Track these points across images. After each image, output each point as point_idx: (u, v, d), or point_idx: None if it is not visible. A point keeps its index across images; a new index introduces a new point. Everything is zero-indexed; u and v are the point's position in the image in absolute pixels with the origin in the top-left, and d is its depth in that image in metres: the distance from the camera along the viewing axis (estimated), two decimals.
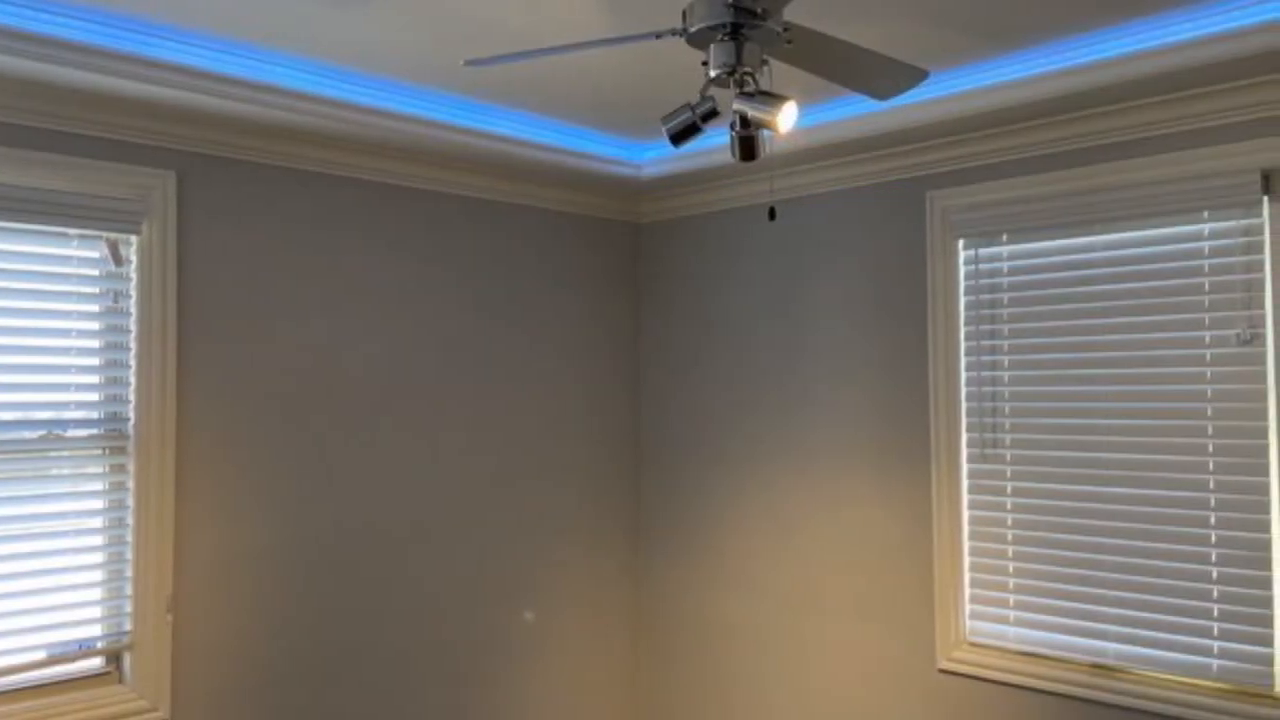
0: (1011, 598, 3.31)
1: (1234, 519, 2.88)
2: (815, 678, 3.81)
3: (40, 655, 2.91)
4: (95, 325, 3.01)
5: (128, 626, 3.04)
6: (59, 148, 2.91)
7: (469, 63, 2.25)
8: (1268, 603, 2.82)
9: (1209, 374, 2.94)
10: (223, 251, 3.25)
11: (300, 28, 2.70)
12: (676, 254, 4.34)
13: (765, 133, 2.25)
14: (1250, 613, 2.85)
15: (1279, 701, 2.79)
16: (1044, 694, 3.21)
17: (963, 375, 3.44)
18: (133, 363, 3.05)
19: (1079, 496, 3.17)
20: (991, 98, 3.05)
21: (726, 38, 2.07)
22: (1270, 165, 2.82)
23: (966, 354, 3.44)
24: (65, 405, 2.96)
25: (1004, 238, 3.35)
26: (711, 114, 2.25)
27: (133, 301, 3.06)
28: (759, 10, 2.02)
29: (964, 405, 3.43)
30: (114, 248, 3.03)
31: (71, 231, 2.95)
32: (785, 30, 2.09)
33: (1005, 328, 3.35)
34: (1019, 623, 3.29)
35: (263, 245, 3.33)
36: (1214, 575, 2.91)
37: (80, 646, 2.98)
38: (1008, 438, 3.34)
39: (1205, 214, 2.95)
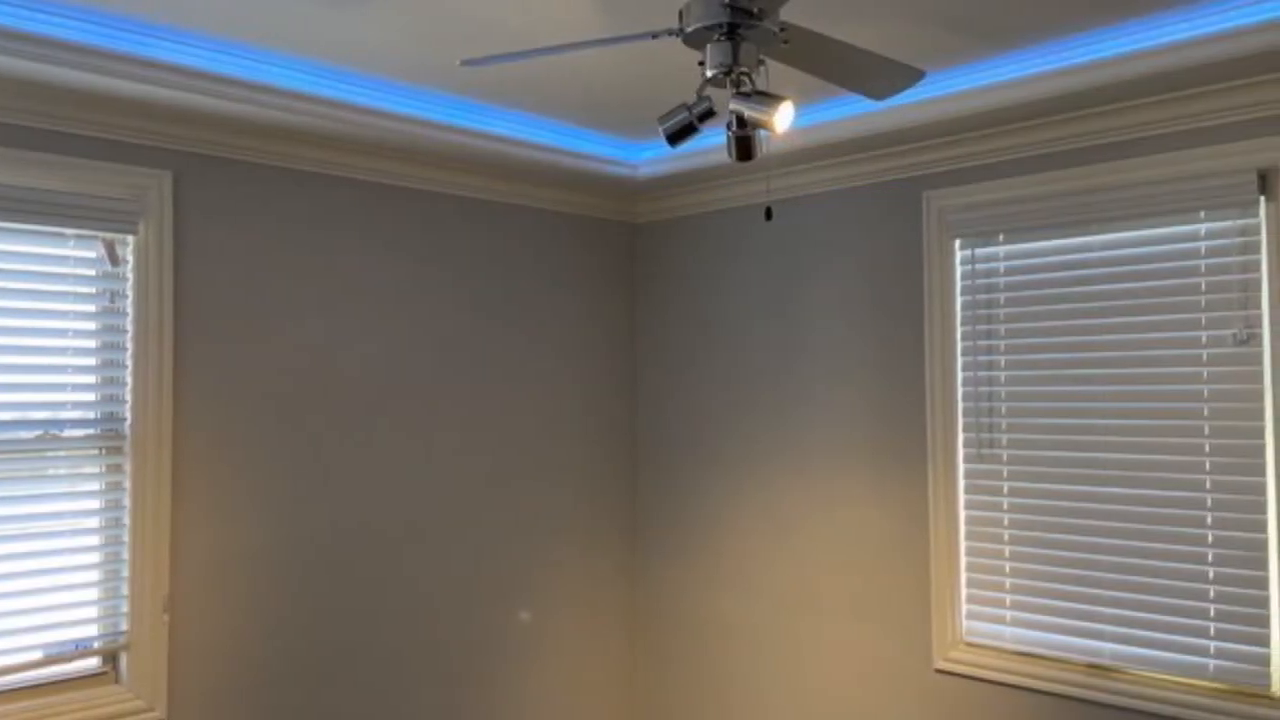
0: (1008, 598, 3.31)
1: (1230, 519, 2.88)
2: (812, 678, 3.81)
3: (37, 655, 2.90)
4: (92, 325, 3.01)
5: (124, 626, 3.03)
6: (55, 148, 2.91)
7: (465, 63, 2.25)
8: (1264, 603, 2.82)
9: (1205, 374, 2.94)
10: (219, 251, 3.24)
11: (296, 28, 2.69)
12: (673, 254, 4.34)
13: (762, 133, 2.25)
14: (1246, 613, 2.85)
15: (1275, 701, 2.79)
16: (1040, 694, 3.21)
17: (959, 375, 3.44)
18: (129, 363, 3.05)
19: (1075, 496, 3.17)
20: (988, 98, 3.05)
21: (723, 38, 2.07)
22: (1266, 165, 2.82)
23: (963, 354, 3.44)
24: (62, 405, 2.95)
25: (1000, 238, 3.35)
26: (708, 114, 2.25)
27: (129, 301, 3.06)
28: (755, 10, 2.02)
29: (960, 405, 3.43)
30: (110, 248, 3.03)
31: (68, 231, 2.95)
32: (782, 30, 2.09)
33: (1002, 328, 3.35)
34: (1015, 623, 3.29)
35: (259, 245, 3.33)
36: (1210, 575, 2.91)
37: (76, 646, 2.97)
38: (1004, 438, 3.34)
39: (1202, 214, 2.95)
